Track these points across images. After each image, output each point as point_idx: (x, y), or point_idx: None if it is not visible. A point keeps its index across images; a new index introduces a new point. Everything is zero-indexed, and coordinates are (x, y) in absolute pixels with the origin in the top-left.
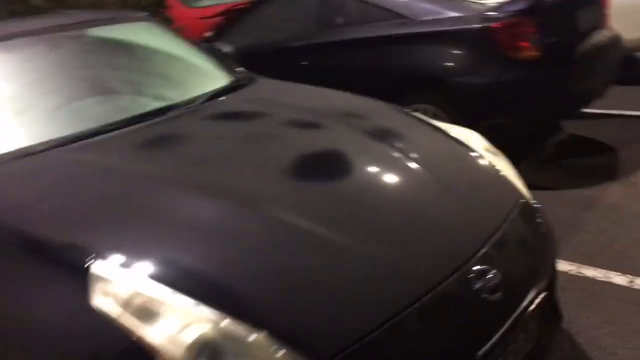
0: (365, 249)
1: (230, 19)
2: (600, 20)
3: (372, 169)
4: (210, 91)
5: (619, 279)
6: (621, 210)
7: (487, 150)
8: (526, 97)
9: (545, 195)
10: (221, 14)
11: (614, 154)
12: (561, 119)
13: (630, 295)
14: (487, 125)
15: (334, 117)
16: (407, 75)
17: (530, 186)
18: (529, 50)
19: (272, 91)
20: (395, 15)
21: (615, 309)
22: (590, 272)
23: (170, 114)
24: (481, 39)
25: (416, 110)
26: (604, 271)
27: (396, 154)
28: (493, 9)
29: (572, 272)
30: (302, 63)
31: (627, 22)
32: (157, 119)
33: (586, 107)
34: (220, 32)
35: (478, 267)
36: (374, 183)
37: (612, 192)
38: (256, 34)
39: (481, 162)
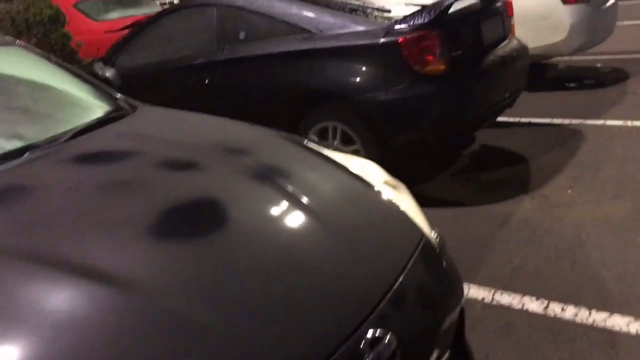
0: (237, 328)
1: (129, 35)
2: (506, 31)
3: (252, 221)
4: (78, 126)
5: (534, 305)
6: (533, 226)
7: (387, 183)
8: (435, 111)
9: (458, 212)
10: (127, 27)
11: (525, 165)
12: (472, 131)
13: (545, 323)
14: (397, 141)
15: (216, 154)
16: (313, 92)
17: (442, 202)
18: (435, 64)
19: (149, 123)
20: (299, 30)
21: (531, 341)
22: (505, 298)
23: (28, 156)
24: (387, 54)
25: (324, 129)
26: (518, 297)
27: (282, 199)
28: (398, 22)
29: (486, 300)
30: (205, 81)
31: (531, 31)
32: (7, 165)
33: (497, 118)
34: (118, 49)
35: (371, 332)
36: (253, 239)
37: (524, 206)
38: (156, 51)
39: (379, 199)
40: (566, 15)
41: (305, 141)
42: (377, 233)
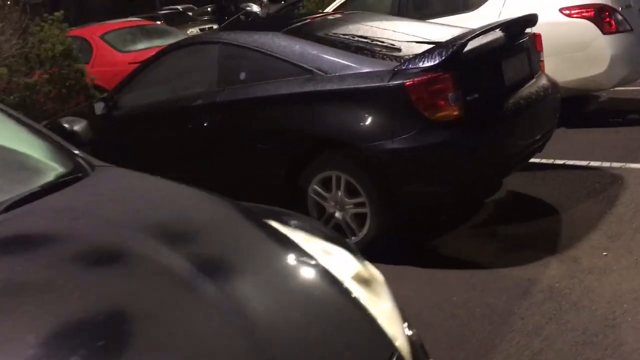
0: None
1: (132, 73)
2: (533, 68)
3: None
4: (11, 198)
5: None
6: (560, 298)
7: (358, 277)
8: (448, 162)
9: (475, 276)
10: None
11: (556, 218)
12: (493, 183)
13: None
14: (406, 194)
15: (152, 242)
16: (314, 138)
17: (458, 262)
18: (447, 110)
19: (96, 192)
20: (301, 71)
21: None
22: None
23: None
24: (393, 98)
25: (328, 178)
26: None
27: (213, 310)
28: (406, 63)
29: None
30: (204, 124)
31: (566, 63)
32: None
33: (524, 165)
34: (121, 87)
35: None
36: None
37: (551, 272)
38: (157, 91)
39: (343, 304)
40: (606, 46)
41: (274, 221)
42: (335, 351)
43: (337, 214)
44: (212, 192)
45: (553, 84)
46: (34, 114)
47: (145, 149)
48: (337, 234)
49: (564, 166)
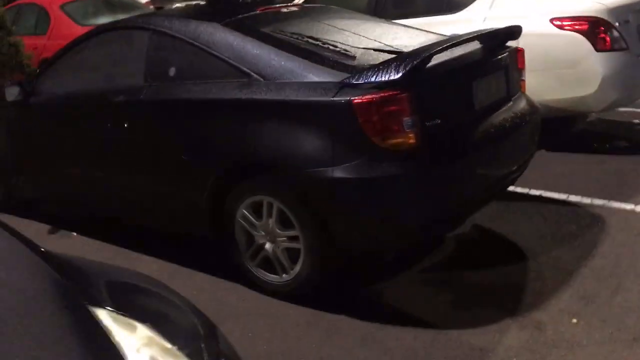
0: None
1: (55, 55)
2: (511, 88)
3: None
4: None
5: None
6: None
7: None
8: (397, 201)
9: (420, 337)
10: None
11: (522, 265)
12: (454, 224)
13: None
14: (343, 233)
15: None
16: (244, 156)
17: (402, 317)
18: (402, 137)
19: None
20: (238, 73)
21: None
22: None
23: None
24: (337, 117)
25: (259, 203)
26: None
27: None
28: (358, 75)
29: None
30: (124, 124)
31: (553, 81)
32: None
33: (493, 199)
34: (42, 71)
35: None
36: None
37: (508, 341)
38: (79, 80)
39: None
40: (598, 64)
41: None
42: None
43: (267, 246)
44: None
45: (533, 108)
46: None
47: (58, 146)
48: (206, 323)
49: (539, 198)
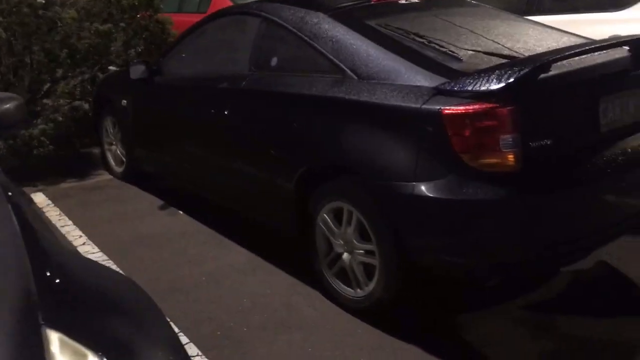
0: None
1: (179, 37)
2: None
3: None
4: None
5: None
6: None
7: None
8: (485, 231)
9: None
10: None
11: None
12: (555, 264)
13: None
14: (422, 257)
15: None
16: (327, 157)
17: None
18: (496, 157)
19: None
20: (334, 69)
21: None
22: None
23: None
24: (426, 128)
25: (339, 209)
26: None
27: None
28: (455, 82)
29: None
30: (224, 112)
31: None
32: None
33: (611, 241)
34: (167, 52)
35: None
36: None
37: None
38: (192, 63)
39: None
40: None
41: None
42: None
43: (345, 257)
44: None
45: None
46: (102, 64)
47: (172, 125)
48: None
49: None
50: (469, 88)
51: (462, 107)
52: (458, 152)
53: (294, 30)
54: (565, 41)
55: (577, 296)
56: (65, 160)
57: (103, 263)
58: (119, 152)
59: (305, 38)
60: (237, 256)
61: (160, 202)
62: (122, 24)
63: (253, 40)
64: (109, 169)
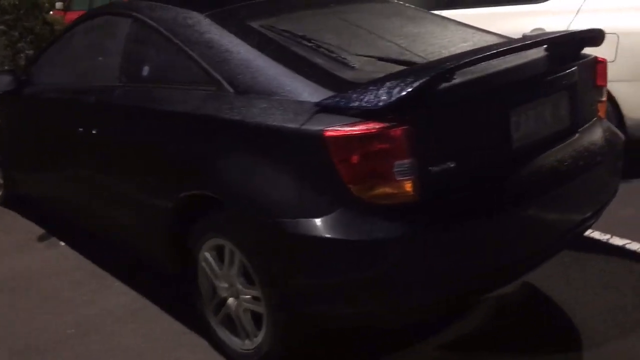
0: None
1: (49, 42)
2: (579, 116)
3: None
4: None
5: None
6: None
7: None
8: (382, 275)
9: None
10: None
11: (577, 354)
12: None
13: None
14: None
15: None
16: (201, 186)
17: None
18: (391, 187)
19: None
20: (208, 79)
21: None
22: None
23: None
24: (308, 152)
25: (221, 247)
26: None
27: None
28: (341, 97)
29: None
30: (92, 131)
31: None
32: None
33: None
34: (36, 58)
35: None
36: None
37: None
38: (61, 72)
39: None
40: None
41: None
42: None
43: (230, 302)
44: None
45: (612, 138)
46: None
47: (40, 143)
48: None
49: (621, 250)
50: (356, 104)
51: (347, 128)
52: (346, 182)
53: (167, 33)
54: (476, 42)
55: (501, 327)
56: None
57: None
58: None
59: (179, 43)
60: (117, 298)
61: (41, 231)
62: (1, 27)
63: (123, 45)
64: None
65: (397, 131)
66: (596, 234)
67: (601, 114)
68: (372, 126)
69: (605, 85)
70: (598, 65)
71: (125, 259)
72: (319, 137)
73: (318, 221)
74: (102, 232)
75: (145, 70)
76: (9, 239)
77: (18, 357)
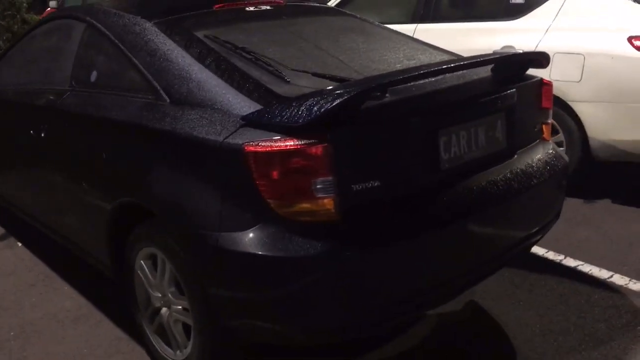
0: None
1: (13, 42)
2: (517, 138)
3: None
4: None
5: None
6: None
7: None
8: (298, 295)
9: None
10: None
11: None
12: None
13: None
14: (230, 320)
15: None
16: (132, 194)
17: None
18: (311, 204)
19: None
20: (148, 88)
21: None
22: None
23: None
24: (229, 167)
25: (154, 256)
26: None
27: None
28: (264, 111)
29: None
30: (41, 134)
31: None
32: None
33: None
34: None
35: None
36: None
37: None
38: (20, 74)
39: None
40: None
41: None
42: None
43: (163, 311)
44: None
45: (555, 161)
46: None
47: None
48: None
49: (573, 272)
50: (278, 119)
51: (267, 144)
52: (266, 198)
53: (115, 40)
54: (422, 59)
55: (438, 346)
56: None
57: None
58: None
59: (125, 50)
60: (63, 302)
61: (2, 231)
62: None
63: (76, 49)
64: None
65: (317, 149)
66: (550, 255)
67: (546, 136)
68: (292, 142)
69: (550, 108)
70: (544, 87)
71: (79, 262)
72: (240, 151)
73: (238, 235)
74: (53, 235)
75: (93, 76)
76: None
77: None
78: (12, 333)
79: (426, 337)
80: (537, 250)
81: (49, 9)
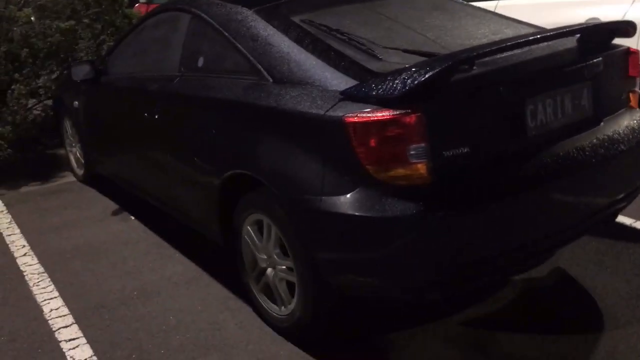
0: None
1: (123, 34)
2: (604, 105)
3: None
4: None
5: None
6: None
7: None
8: (394, 251)
9: None
10: None
11: (604, 340)
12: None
13: None
14: (334, 276)
15: None
16: (241, 166)
17: None
18: (405, 168)
19: None
20: (251, 70)
21: None
22: None
23: None
24: (330, 137)
25: (260, 222)
26: None
27: None
28: (362, 86)
29: None
30: (155, 116)
31: None
32: None
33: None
34: (112, 49)
35: None
36: None
37: None
38: (133, 62)
39: None
40: None
41: None
42: None
43: (269, 272)
44: None
45: None
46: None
47: (114, 127)
48: None
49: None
50: (374, 93)
51: (365, 115)
52: (364, 164)
53: (219, 28)
54: (507, 33)
55: (525, 309)
56: (31, 163)
57: (38, 275)
58: (78, 154)
59: (229, 37)
60: (175, 267)
61: (115, 206)
62: (85, 20)
63: (183, 39)
64: (73, 171)
65: (411, 118)
66: (639, 224)
67: (633, 104)
68: (388, 113)
69: (637, 76)
70: (630, 56)
71: (187, 232)
72: (340, 122)
73: (339, 199)
74: (164, 207)
75: (200, 61)
76: (88, 213)
77: (90, 312)
78: (135, 293)
79: (513, 299)
80: (623, 219)
81: (137, 4)
